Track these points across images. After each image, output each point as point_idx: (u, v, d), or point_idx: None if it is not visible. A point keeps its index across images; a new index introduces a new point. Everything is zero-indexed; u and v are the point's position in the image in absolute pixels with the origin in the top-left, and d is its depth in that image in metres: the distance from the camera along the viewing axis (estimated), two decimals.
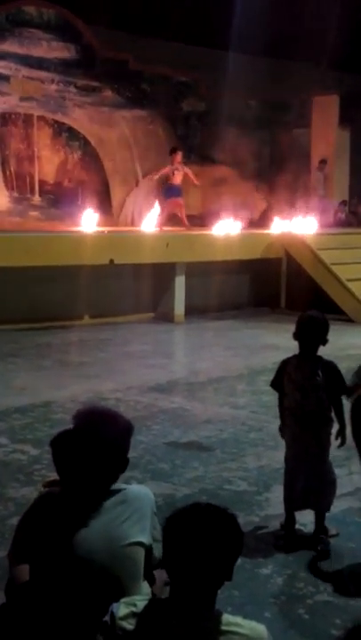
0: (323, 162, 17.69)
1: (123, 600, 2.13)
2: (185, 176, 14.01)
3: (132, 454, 5.56)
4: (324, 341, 4.32)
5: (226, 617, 2.02)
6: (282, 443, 5.87)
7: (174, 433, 6.13)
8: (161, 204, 13.97)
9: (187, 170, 14.11)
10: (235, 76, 16.80)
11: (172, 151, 14.28)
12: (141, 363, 8.99)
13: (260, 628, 2.03)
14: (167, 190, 14.02)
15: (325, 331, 4.31)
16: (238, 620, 2.03)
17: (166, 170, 13.98)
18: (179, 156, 14.09)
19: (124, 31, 15.98)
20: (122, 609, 2.08)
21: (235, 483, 5.08)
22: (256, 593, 3.63)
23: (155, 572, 3.28)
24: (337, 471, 5.08)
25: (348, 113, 19.28)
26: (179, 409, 6.88)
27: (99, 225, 13.01)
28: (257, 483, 5.03)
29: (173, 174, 13.90)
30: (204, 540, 2.01)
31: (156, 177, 14.49)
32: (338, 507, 4.51)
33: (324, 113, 18.66)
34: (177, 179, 13.94)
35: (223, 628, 1.98)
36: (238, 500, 4.76)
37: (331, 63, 18.50)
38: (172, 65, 16.99)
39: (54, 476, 3.56)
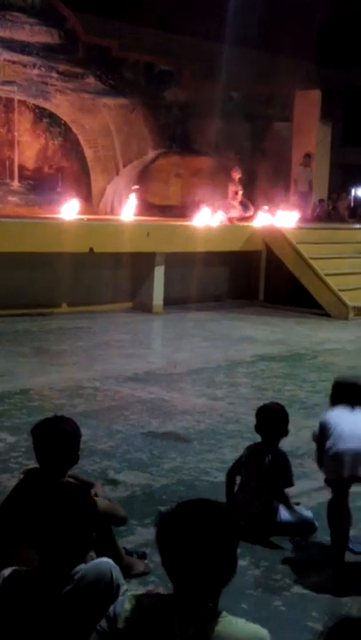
0: (307, 156, 17.68)
1: (126, 595, 2.10)
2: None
3: (109, 444, 5.64)
4: (285, 432, 4.27)
5: (227, 617, 1.99)
6: (258, 435, 5.92)
7: (152, 423, 6.12)
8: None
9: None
10: (218, 68, 16.75)
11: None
12: (119, 352, 8.96)
13: (261, 632, 1.99)
14: None
15: (285, 422, 4.26)
16: (240, 621, 2.00)
17: None
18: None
19: (108, 17, 15.85)
20: (125, 604, 2.05)
21: (212, 474, 5.08)
22: (233, 584, 3.59)
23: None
24: (313, 465, 5.12)
25: (329, 108, 19.34)
26: (157, 399, 6.86)
27: (78, 213, 12.91)
28: None
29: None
30: (200, 536, 1.97)
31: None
32: (315, 499, 4.53)
33: (307, 107, 18.68)
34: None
35: (222, 628, 1.95)
36: (215, 491, 4.74)
37: (314, 58, 18.53)
38: (155, 53, 16.90)
39: (31, 463, 3.55)
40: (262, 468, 4.17)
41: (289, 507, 4.14)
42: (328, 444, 3.79)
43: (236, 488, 4.33)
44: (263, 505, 4.14)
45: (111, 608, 2.07)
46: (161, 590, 2.84)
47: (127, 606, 2.03)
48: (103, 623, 2.07)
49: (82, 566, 2.33)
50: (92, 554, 2.70)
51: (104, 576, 2.34)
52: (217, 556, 1.97)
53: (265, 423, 4.25)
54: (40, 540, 2.29)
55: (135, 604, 2.04)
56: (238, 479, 4.35)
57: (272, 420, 4.25)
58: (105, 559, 2.42)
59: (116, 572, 2.39)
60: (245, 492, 4.21)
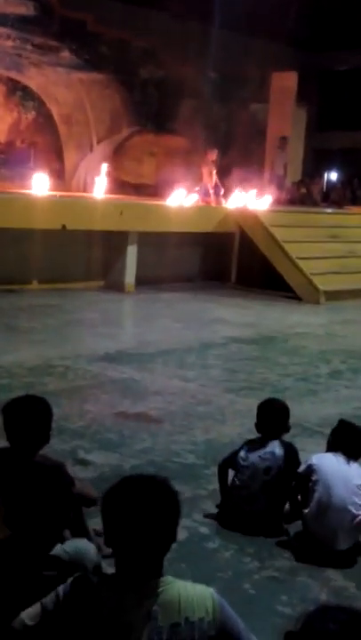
0: (283, 139, 17.63)
1: (75, 575, 2.11)
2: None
3: (79, 423, 5.58)
4: (287, 429, 4.13)
5: (175, 582, 2.03)
6: (229, 417, 5.92)
7: (123, 403, 6.07)
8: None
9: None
10: (195, 47, 16.60)
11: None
12: (91, 331, 8.88)
13: (207, 591, 2.05)
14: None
15: (287, 418, 4.13)
16: (187, 584, 2.05)
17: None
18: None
19: None
20: (75, 584, 2.07)
21: (183, 456, 5.05)
22: (202, 567, 3.62)
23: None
24: None
25: (305, 92, 19.30)
26: (128, 379, 6.82)
27: (50, 189, 12.75)
28: (205, 456, 5.01)
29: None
30: (140, 509, 1.99)
31: None
32: None
33: (282, 89, 18.64)
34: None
35: (172, 593, 1.99)
36: (186, 473, 4.74)
37: (291, 41, 18.44)
38: (132, 30, 16.68)
39: (1, 442, 3.49)
40: (274, 460, 3.96)
41: (295, 501, 3.96)
42: (314, 502, 3.73)
43: (230, 482, 4.14)
44: (271, 501, 3.96)
45: (60, 588, 2.09)
46: None
47: (77, 586, 2.06)
48: (50, 603, 2.09)
49: (59, 546, 2.32)
50: (67, 533, 2.67)
51: (84, 556, 2.34)
52: (158, 527, 2.01)
53: (267, 420, 4.08)
54: (15, 518, 2.28)
55: (84, 583, 2.07)
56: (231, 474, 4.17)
57: (274, 417, 4.09)
58: (83, 540, 2.42)
59: (94, 552, 2.38)
60: (248, 488, 3.98)
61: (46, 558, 2.30)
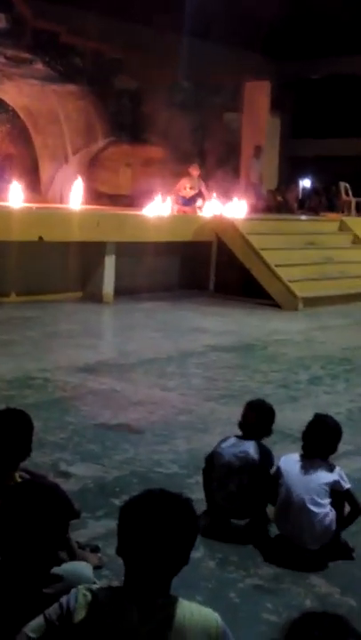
0: (258, 148, 17.74)
1: (79, 589, 2.09)
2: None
3: (60, 435, 5.55)
4: (269, 433, 4.18)
5: (181, 603, 2.04)
6: (211, 426, 5.92)
7: (104, 414, 6.05)
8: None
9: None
10: (168, 56, 16.66)
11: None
12: (70, 342, 8.85)
13: (212, 617, 2.06)
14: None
15: (272, 422, 4.15)
16: (193, 606, 2.06)
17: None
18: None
19: (57, 3, 15.59)
20: (80, 598, 2.05)
21: (165, 465, 5.05)
22: (187, 576, 3.55)
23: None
24: None
25: (279, 100, 19.44)
26: (108, 390, 6.80)
27: (26, 200, 12.72)
28: (187, 466, 5.00)
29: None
30: (159, 527, 2.00)
31: None
32: None
33: (256, 98, 18.75)
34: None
35: (177, 614, 2.00)
36: (169, 483, 4.72)
37: (265, 50, 18.57)
38: (105, 41, 16.70)
39: None
40: (246, 461, 3.98)
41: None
42: (278, 502, 3.85)
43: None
44: (248, 502, 3.99)
45: (64, 600, 2.07)
46: (115, 583, 2.81)
47: (83, 600, 2.04)
48: (53, 614, 2.06)
49: (59, 568, 2.33)
50: (64, 555, 2.66)
51: (80, 577, 2.35)
52: (175, 547, 2.02)
53: (254, 419, 4.11)
54: (9, 540, 2.27)
55: (91, 597, 2.05)
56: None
57: (260, 417, 4.11)
58: (80, 562, 2.43)
59: (90, 573, 2.39)
60: (227, 487, 4.02)
61: (47, 576, 2.28)
